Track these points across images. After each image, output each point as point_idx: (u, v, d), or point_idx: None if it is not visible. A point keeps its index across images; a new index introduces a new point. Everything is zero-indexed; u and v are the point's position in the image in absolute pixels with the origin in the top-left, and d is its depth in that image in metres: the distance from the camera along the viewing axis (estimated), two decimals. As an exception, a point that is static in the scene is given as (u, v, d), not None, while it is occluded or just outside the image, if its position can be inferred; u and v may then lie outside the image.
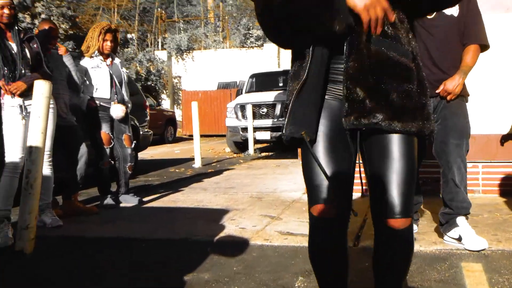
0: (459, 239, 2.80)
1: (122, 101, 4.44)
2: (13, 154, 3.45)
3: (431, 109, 1.59)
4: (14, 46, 3.53)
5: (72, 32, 20.85)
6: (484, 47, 2.85)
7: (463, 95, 2.88)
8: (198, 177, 6.45)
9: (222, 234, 3.31)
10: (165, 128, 14.73)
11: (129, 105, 4.54)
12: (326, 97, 1.57)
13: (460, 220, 2.81)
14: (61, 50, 4.07)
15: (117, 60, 4.51)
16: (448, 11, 2.80)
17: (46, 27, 4.10)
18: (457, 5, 2.78)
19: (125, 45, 21.75)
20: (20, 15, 18.93)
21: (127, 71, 4.62)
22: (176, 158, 9.67)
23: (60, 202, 4.22)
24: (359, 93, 1.47)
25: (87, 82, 4.30)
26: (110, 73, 4.38)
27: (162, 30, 22.79)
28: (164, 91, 20.42)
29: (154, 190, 5.48)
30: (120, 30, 19.27)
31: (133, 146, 4.56)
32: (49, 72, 3.70)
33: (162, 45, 21.97)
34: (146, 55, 19.74)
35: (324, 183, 1.52)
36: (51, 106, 3.70)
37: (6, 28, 3.52)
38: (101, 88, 4.34)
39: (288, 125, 1.54)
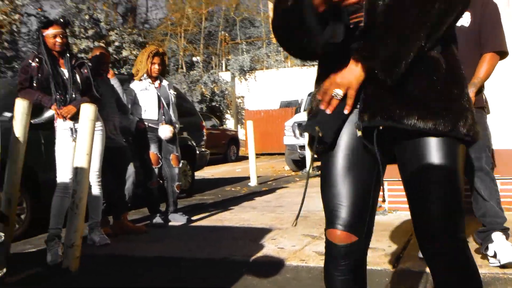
0: (495, 255, 2.58)
1: (169, 122, 4.55)
2: (64, 175, 3.62)
3: (468, 102, 1.36)
4: (65, 72, 3.73)
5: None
6: (502, 54, 2.63)
7: (482, 106, 2.69)
8: (251, 195, 6.45)
9: (259, 254, 3.27)
10: (228, 147, 14.95)
11: (177, 125, 4.65)
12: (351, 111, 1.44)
13: (496, 235, 2.60)
14: (109, 73, 4.26)
15: (165, 82, 4.65)
16: (458, 22, 2.63)
17: (98, 53, 4.32)
18: (469, 13, 2.61)
19: (191, 67, 22.51)
20: (96, 43, 20.25)
21: (174, 93, 4.74)
22: (235, 176, 9.76)
23: (111, 221, 4.36)
24: (375, 90, 1.34)
25: (136, 104, 4.46)
26: (158, 95, 4.52)
27: (225, 52, 23.36)
28: (228, 111, 20.82)
29: (206, 208, 5.54)
30: (186, 54, 19.88)
31: (180, 165, 4.65)
32: (98, 95, 3.87)
33: (226, 67, 22.50)
34: (210, 76, 20.28)
35: (341, 206, 1.40)
36: (100, 128, 3.86)
37: (59, 56, 3.74)
38: (149, 110, 4.48)
39: (306, 122, 1.49)
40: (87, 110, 3.43)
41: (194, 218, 4.84)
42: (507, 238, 2.64)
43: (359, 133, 1.38)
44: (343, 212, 1.40)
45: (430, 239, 1.32)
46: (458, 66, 1.41)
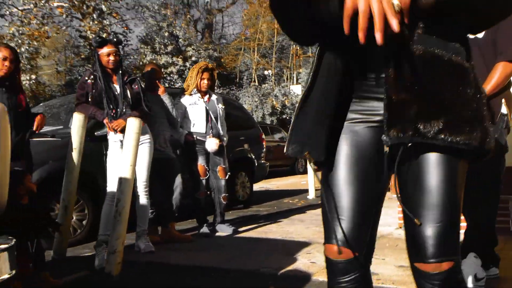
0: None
1: (217, 135, 4.69)
2: (113, 184, 3.84)
3: (489, 117, 1.30)
4: (117, 88, 3.99)
5: (217, 72, 22.70)
6: None
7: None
8: (304, 208, 6.43)
9: (289, 268, 3.28)
10: (296, 159, 14.91)
11: (225, 138, 4.77)
12: (351, 120, 1.37)
13: (470, 255, 2.52)
14: (160, 90, 4.46)
15: (214, 97, 4.80)
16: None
17: (149, 69, 4.56)
18: None
19: (264, 81, 22.84)
20: (174, 58, 21.25)
21: (223, 107, 4.87)
22: (297, 189, 9.74)
23: (160, 230, 4.55)
24: (403, 101, 1.22)
25: (185, 118, 4.65)
26: (206, 109, 4.67)
27: (297, 66, 23.47)
28: (299, 123, 20.81)
29: (256, 220, 5.60)
30: (259, 68, 20.23)
31: (227, 177, 4.75)
32: (147, 110, 4.08)
33: (297, 80, 22.59)
34: (281, 90, 20.47)
35: (340, 219, 1.35)
36: (148, 140, 4.07)
37: (113, 72, 4.00)
38: (197, 123, 4.64)
39: (290, 143, 1.40)
40: (132, 123, 3.63)
41: (241, 229, 4.93)
42: (482, 265, 2.52)
43: (386, 149, 1.30)
44: (342, 226, 1.35)
45: (422, 260, 1.27)
46: (478, 79, 1.33)
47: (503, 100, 2.47)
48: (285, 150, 1.43)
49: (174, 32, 21.65)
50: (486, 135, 1.26)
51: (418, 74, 1.22)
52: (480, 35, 2.52)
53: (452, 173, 1.26)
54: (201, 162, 4.63)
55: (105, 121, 3.93)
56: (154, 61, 20.57)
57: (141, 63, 20.16)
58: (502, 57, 2.44)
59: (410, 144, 1.26)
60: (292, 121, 1.41)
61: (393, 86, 1.24)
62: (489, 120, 1.29)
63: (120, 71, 4.02)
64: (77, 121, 3.99)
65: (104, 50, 3.92)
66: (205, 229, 4.69)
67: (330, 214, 1.38)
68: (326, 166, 1.41)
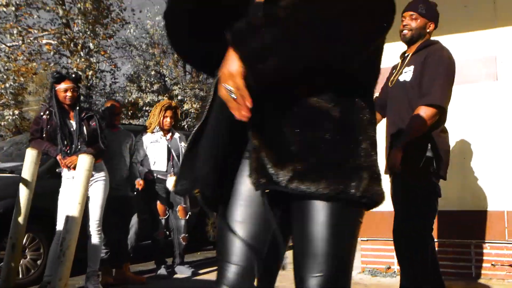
0: None
1: (178, 174, 4.59)
2: (62, 223, 3.72)
3: (366, 159, 1.18)
4: (74, 124, 3.92)
5: (203, 111, 22.75)
6: (439, 108, 2.41)
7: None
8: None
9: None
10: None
11: (187, 177, 4.67)
12: (246, 156, 1.30)
13: None
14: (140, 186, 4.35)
15: (176, 135, 4.74)
16: (402, 77, 2.50)
17: (109, 105, 4.51)
18: (413, 67, 2.46)
19: (249, 121, 22.90)
20: (160, 97, 21.30)
21: (185, 145, 4.79)
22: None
23: (114, 271, 4.38)
24: (257, 146, 1.17)
25: (146, 156, 4.57)
26: (168, 147, 4.60)
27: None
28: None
29: (221, 262, 5.44)
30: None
31: (187, 217, 4.63)
32: (103, 147, 3.99)
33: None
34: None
35: (229, 264, 1.26)
36: (103, 178, 3.98)
37: (70, 108, 3.95)
38: (158, 162, 4.56)
39: (180, 180, 1.32)
40: (84, 160, 3.55)
41: (202, 271, 4.77)
42: None
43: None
44: (231, 270, 1.26)
45: None
46: (358, 119, 1.21)
47: (428, 145, 2.41)
48: (172, 188, 1.36)
49: (161, 71, 21.82)
50: (349, 181, 1.15)
51: (270, 114, 1.18)
52: (408, 79, 2.51)
53: (335, 220, 1.16)
54: (160, 201, 4.52)
55: (58, 157, 3.85)
56: (140, 99, 20.62)
57: (126, 100, 20.19)
58: (423, 100, 2.42)
59: (267, 191, 1.18)
60: (184, 155, 1.34)
61: (250, 126, 1.18)
62: (366, 164, 1.18)
63: (78, 107, 3.96)
64: (30, 157, 3.89)
65: (62, 86, 3.88)
66: (162, 271, 4.53)
67: (221, 257, 1.29)
68: (222, 205, 1.31)
